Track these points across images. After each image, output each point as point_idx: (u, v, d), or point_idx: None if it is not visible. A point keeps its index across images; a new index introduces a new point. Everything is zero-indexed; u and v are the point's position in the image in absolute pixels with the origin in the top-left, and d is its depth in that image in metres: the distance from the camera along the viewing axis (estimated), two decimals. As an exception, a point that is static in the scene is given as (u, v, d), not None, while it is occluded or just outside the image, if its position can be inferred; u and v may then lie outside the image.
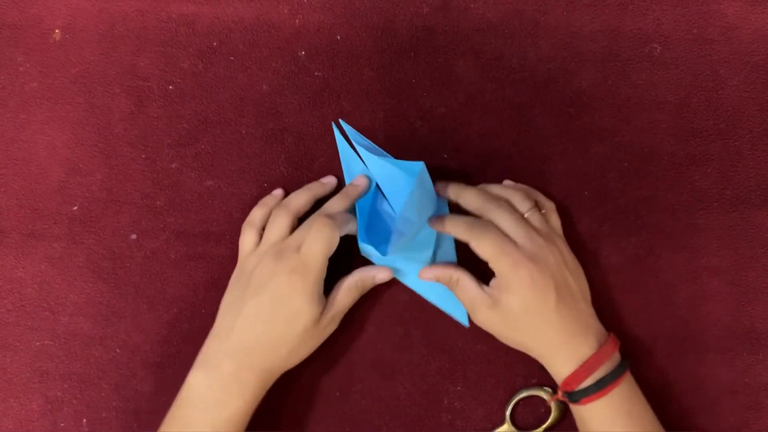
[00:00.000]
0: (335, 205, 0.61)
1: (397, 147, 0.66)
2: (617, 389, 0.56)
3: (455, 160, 0.66)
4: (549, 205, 0.63)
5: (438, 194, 0.64)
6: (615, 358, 0.58)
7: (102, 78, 0.67)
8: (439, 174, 0.66)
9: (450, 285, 0.61)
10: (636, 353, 0.64)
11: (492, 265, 0.58)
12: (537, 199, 0.62)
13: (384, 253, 0.58)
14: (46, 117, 0.67)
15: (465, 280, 0.60)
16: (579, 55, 0.67)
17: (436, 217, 0.61)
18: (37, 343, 0.65)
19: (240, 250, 0.62)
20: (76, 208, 0.66)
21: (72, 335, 0.65)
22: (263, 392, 0.58)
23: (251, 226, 0.62)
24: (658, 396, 0.63)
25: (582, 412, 0.58)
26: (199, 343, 0.59)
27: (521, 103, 0.66)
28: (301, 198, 0.62)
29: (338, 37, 0.67)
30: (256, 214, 0.63)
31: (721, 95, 0.66)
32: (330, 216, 0.59)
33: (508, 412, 0.63)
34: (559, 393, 0.59)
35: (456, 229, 0.59)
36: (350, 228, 0.61)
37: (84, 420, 0.64)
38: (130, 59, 0.67)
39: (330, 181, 0.65)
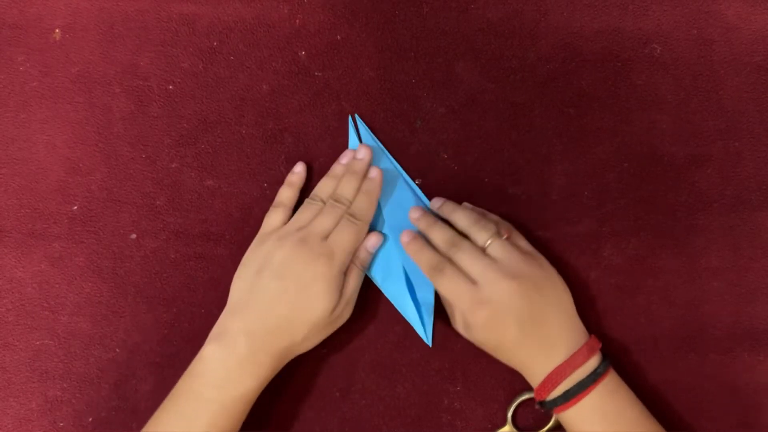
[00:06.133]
0: (348, 188, 0.62)
1: (397, 147, 0.66)
2: (587, 398, 0.57)
3: (455, 160, 0.66)
4: (507, 226, 0.62)
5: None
6: (587, 366, 0.57)
7: (102, 78, 0.67)
8: (440, 174, 0.66)
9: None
10: (636, 353, 0.64)
11: (451, 304, 0.60)
12: (496, 224, 0.61)
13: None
14: (46, 116, 0.67)
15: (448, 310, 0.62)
16: (579, 56, 0.67)
17: (410, 238, 0.62)
18: (37, 343, 0.65)
19: (263, 226, 0.63)
20: (75, 207, 0.66)
21: (71, 335, 0.64)
22: (275, 373, 0.59)
23: (281, 206, 0.63)
24: (658, 396, 0.63)
25: (559, 416, 0.59)
26: (199, 343, 0.59)
27: (521, 104, 0.66)
28: (331, 186, 0.63)
29: (338, 37, 0.67)
30: (285, 194, 0.64)
31: (721, 96, 0.66)
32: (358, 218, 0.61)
33: (509, 414, 0.63)
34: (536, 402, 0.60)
35: (420, 264, 0.61)
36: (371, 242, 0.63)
37: (90, 418, 0.64)
38: (130, 59, 0.67)
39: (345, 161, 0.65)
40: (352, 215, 0.61)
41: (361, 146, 0.64)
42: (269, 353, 0.58)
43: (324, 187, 0.63)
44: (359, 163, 0.63)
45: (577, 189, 0.66)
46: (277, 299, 0.58)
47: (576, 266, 0.65)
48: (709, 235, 0.65)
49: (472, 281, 0.58)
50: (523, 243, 0.61)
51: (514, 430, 0.63)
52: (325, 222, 0.61)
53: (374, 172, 0.63)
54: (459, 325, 0.60)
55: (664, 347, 0.64)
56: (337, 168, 0.64)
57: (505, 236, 0.60)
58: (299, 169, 0.65)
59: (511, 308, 0.57)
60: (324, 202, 0.62)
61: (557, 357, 0.57)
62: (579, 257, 0.65)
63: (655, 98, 0.66)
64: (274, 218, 0.63)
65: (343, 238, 0.60)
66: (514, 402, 0.63)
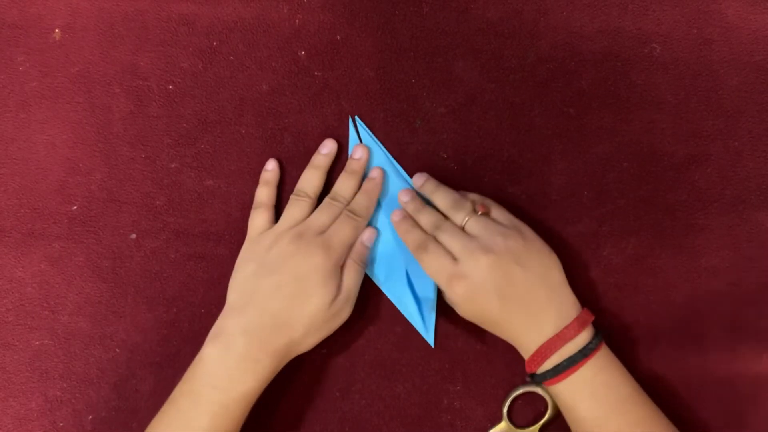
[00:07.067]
0: (345, 186, 0.63)
1: (397, 147, 0.66)
2: (578, 372, 0.57)
3: (455, 160, 0.66)
4: (484, 202, 0.62)
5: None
6: (579, 340, 0.57)
7: (102, 77, 0.67)
8: (440, 174, 0.66)
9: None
10: (636, 353, 0.64)
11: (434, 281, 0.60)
12: (474, 201, 0.62)
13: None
14: (46, 116, 0.67)
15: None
16: (579, 55, 0.67)
17: (400, 217, 0.62)
18: (37, 343, 0.65)
19: (250, 229, 0.63)
20: (75, 207, 0.66)
21: (71, 335, 0.64)
22: (275, 373, 0.59)
23: (262, 207, 0.63)
24: (657, 395, 0.63)
25: (549, 389, 0.59)
26: (199, 343, 0.59)
27: (521, 104, 0.66)
28: (315, 180, 0.64)
29: (338, 37, 0.67)
30: (264, 193, 0.64)
31: (720, 95, 0.66)
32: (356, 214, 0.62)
33: (505, 410, 0.63)
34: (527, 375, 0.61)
35: (407, 243, 0.61)
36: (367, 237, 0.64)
37: (90, 417, 0.64)
38: (129, 59, 0.67)
39: (330, 150, 0.65)
40: (351, 212, 0.62)
41: (357, 146, 0.64)
42: (268, 351, 0.58)
43: (306, 180, 0.64)
44: (357, 162, 0.64)
45: (577, 189, 0.66)
46: (273, 295, 0.58)
47: (576, 266, 0.65)
48: (709, 234, 0.65)
49: (454, 258, 0.58)
50: (504, 217, 0.61)
51: (511, 426, 0.63)
52: (321, 218, 0.61)
53: (375, 173, 0.63)
54: (449, 301, 0.61)
55: (663, 346, 0.64)
56: (317, 158, 0.65)
57: (480, 212, 0.60)
58: (272, 166, 0.65)
59: (488, 282, 0.57)
60: (310, 197, 0.62)
61: (547, 330, 0.57)
62: (578, 257, 0.65)
63: (655, 98, 0.66)
64: (258, 219, 0.63)
65: (341, 232, 0.60)
66: (509, 397, 0.63)
